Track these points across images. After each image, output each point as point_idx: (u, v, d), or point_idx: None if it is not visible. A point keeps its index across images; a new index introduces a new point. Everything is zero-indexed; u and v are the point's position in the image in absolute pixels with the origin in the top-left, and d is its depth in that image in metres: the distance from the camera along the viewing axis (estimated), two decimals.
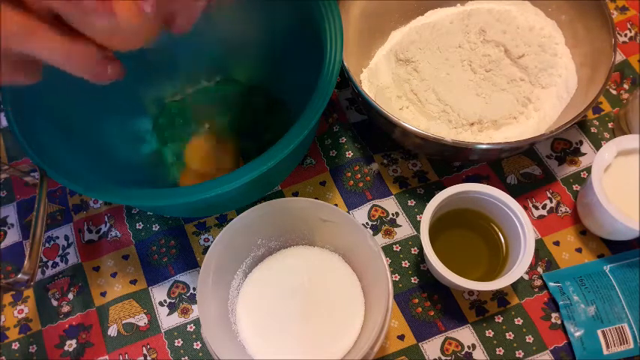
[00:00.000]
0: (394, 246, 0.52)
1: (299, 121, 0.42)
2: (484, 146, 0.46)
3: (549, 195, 0.53)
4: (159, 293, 0.51)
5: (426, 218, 0.45)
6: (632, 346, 0.46)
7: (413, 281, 0.50)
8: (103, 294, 0.52)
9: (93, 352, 0.49)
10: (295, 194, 0.55)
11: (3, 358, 0.50)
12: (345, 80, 0.59)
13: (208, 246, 0.53)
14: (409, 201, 0.53)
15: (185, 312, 0.50)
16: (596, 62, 0.51)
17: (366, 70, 0.58)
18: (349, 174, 0.55)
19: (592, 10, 0.52)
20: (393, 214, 0.53)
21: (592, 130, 0.56)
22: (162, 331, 0.50)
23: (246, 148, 0.56)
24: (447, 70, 0.54)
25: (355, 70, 0.55)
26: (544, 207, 0.53)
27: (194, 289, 0.51)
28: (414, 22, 0.60)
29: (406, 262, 0.51)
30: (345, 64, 0.49)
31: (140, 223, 0.54)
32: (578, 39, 0.54)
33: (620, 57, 0.59)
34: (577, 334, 0.46)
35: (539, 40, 0.55)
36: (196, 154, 0.54)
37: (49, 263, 0.53)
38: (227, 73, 0.60)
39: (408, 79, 0.55)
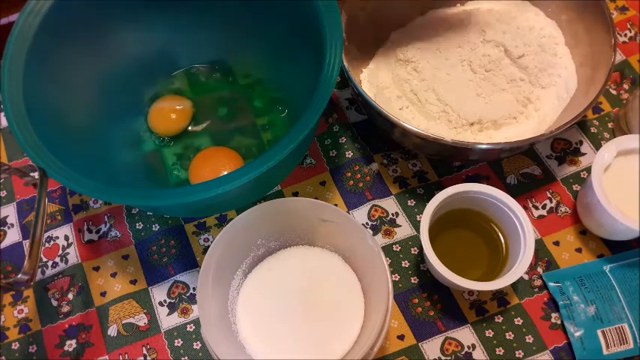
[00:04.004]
0: (394, 246, 0.52)
1: (299, 121, 0.42)
2: (484, 146, 0.46)
3: (549, 195, 0.53)
4: (159, 293, 0.51)
5: (425, 218, 0.45)
6: (632, 346, 0.46)
7: (413, 281, 0.50)
8: (103, 294, 0.51)
9: (93, 352, 0.49)
10: (295, 194, 0.54)
11: (3, 358, 0.50)
12: (345, 80, 0.59)
13: (208, 246, 0.53)
14: (409, 201, 0.53)
15: (185, 312, 0.50)
16: (596, 62, 0.51)
17: (366, 70, 0.58)
18: (349, 174, 0.55)
19: (592, 11, 0.52)
20: (392, 214, 0.53)
21: (592, 130, 0.56)
22: (162, 331, 0.50)
23: (246, 148, 0.56)
24: (447, 70, 0.54)
25: (355, 70, 0.55)
26: (544, 207, 0.53)
27: (194, 289, 0.51)
28: (414, 22, 0.60)
29: (406, 262, 0.51)
30: (345, 64, 0.49)
31: (140, 223, 0.54)
32: (578, 39, 0.54)
33: (620, 57, 0.59)
34: (577, 334, 0.46)
35: (539, 41, 0.55)
36: (199, 174, 0.54)
37: (49, 263, 0.53)
38: (227, 72, 0.60)
39: (407, 79, 0.55)
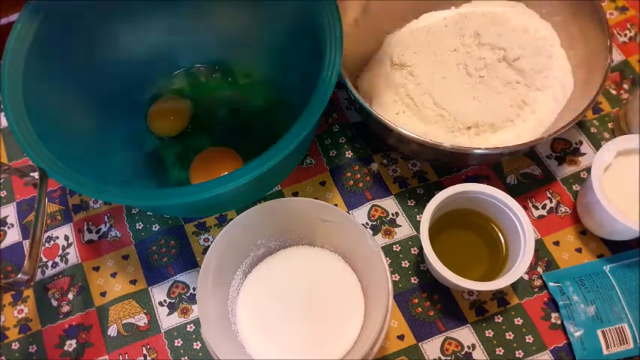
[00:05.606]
0: (394, 246, 0.52)
1: (299, 121, 0.42)
2: (482, 151, 0.46)
3: (549, 195, 0.53)
4: (159, 293, 0.51)
5: (425, 218, 0.45)
6: (631, 346, 0.46)
7: (413, 281, 0.50)
8: (103, 294, 0.52)
9: (93, 352, 0.49)
10: (295, 194, 0.55)
11: (3, 358, 0.50)
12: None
13: (208, 246, 0.53)
14: (409, 201, 0.53)
15: (185, 312, 0.50)
16: (592, 63, 0.51)
17: (362, 74, 0.57)
18: (349, 174, 0.55)
19: (586, 11, 0.52)
20: (392, 214, 0.53)
21: (592, 130, 0.56)
22: (162, 331, 0.50)
23: (246, 148, 0.56)
24: (443, 74, 0.54)
25: (351, 75, 0.55)
26: (544, 207, 0.53)
27: (194, 289, 0.51)
28: (409, 26, 0.60)
29: (406, 262, 0.51)
30: (341, 69, 0.49)
31: (140, 223, 0.54)
32: (573, 40, 0.54)
33: (620, 57, 0.59)
34: (577, 334, 0.46)
35: (534, 43, 0.54)
36: (199, 174, 0.54)
37: (49, 263, 0.53)
38: (227, 72, 0.60)
39: (403, 83, 0.55)
